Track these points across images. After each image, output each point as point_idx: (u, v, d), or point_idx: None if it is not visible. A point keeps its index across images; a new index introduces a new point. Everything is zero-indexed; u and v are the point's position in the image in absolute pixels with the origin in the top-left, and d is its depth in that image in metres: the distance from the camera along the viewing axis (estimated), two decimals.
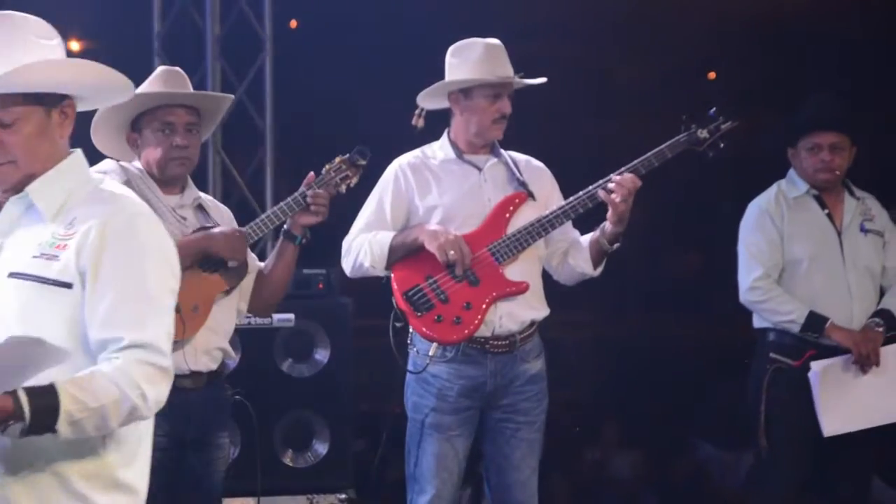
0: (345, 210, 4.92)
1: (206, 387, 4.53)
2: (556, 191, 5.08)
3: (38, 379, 2.91)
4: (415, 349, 4.94)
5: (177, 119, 4.55)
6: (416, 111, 5.08)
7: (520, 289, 4.91)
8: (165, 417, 4.42)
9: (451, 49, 5.04)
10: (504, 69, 4.98)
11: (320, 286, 6.32)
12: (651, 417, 8.76)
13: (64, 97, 3.14)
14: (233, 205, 5.21)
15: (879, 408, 5.60)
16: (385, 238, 4.92)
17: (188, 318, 4.40)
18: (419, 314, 4.87)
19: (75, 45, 8.72)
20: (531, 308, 4.97)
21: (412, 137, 5.08)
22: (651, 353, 9.31)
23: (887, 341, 5.66)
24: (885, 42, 8.58)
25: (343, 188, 4.66)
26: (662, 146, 4.96)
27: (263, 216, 4.62)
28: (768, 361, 5.63)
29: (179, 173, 4.58)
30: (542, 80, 5.02)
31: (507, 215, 4.96)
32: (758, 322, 5.74)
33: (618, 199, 4.83)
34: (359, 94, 8.61)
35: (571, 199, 4.94)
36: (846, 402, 5.55)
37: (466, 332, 4.86)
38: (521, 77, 4.98)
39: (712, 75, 9.79)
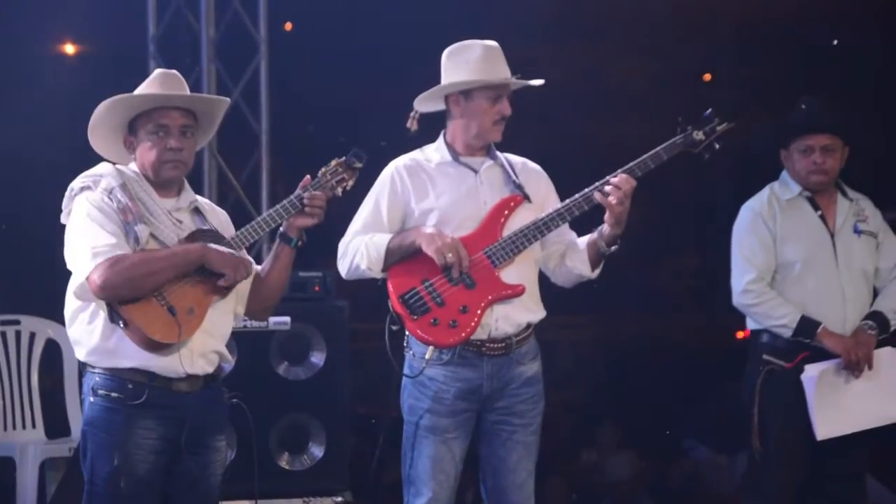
0: (340, 212, 4.92)
1: (202, 390, 4.52)
2: (552, 193, 5.08)
3: None
4: (411, 352, 4.93)
5: (171, 122, 4.54)
6: (411, 114, 5.07)
7: (516, 292, 4.91)
8: (161, 420, 4.45)
9: (447, 51, 5.03)
10: (503, 70, 4.98)
11: (316, 289, 6.34)
12: (647, 420, 8.77)
13: None
14: (228, 207, 5.21)
15: (872, 410, 5.60)
16: (381, 241, 4.91)
17: (184, 320, 4.39)
18: (415, 317, 4.86)
19: (70, 49, 8.72)
20: (527, 311, 4.96)
21: (407, 140, 5.07)
22: (647, 356, 9.32)
23: (881, 343, 5.67)
24: (880, 44, 8.59)
25: (339, 191, 4.65)
26: (658, 148, 4.96)
27: (259, 219, 4.61)
28: (761, 363, 5.64)
29: (173, 176, 4.57)
30: (541, 81, 5.02)
31: (503, 218, 4.96)
32: (751, 324, 5.75)
33: (614, 202, 4.83)
34: (354, 96, 8.61)
35: (567, 201, 4.94)
36: (840, 406, 5.56)
37: (463, 335, 4.85)
38: (519, 78, 4.98)
39: (707, 77, 9.79)
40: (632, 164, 4.91)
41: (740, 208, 5.83)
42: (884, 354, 5.64)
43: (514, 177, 5.01)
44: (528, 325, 4.98)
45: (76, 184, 4.54)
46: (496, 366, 4.92)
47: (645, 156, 4.94)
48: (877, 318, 5.65)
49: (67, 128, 5.46)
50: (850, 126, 5.77)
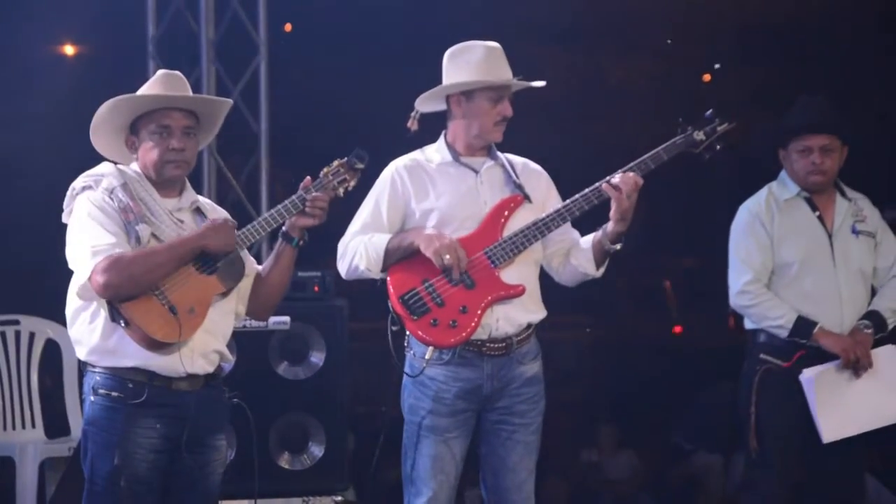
0: (340, 212, 4.92)
1: (202, 389, 4.52)
2: (552, 193, 5.08)
3: None
4: (411, 352, 4.93)
5: (173, 122, 4.55)
6: (412, 114, 5.07)
7: (516, 292, 4.91)
8: (162, 420, 4.46)
9: (448, 52, 5.03)
10: (505, 71, 4.98)
11: (316, 289, 6.34)
12: (648, 419, 8.77)
13: None
14: (228, 208, 5.20)
15: (876, 411, 5.61)
16: (381, 241, 4.91)
17: (185, 320, 4.40)
18: (415, 318, 4.87)
19: (70, 49, 8.72)
20: (528, 311, 4.97)
21: (407, 140, 5.07)
22: (648, 356, 9.32)
23: (879, 343, 5.67)
24: (877, 44, 8.59)
25: (341, 192, 4.65)
26: (659, 148, 4.96)
27: (260, 219, 4.61)
28: (758, 362, 5.65)
29: (175, 176, 4.58)
30: (542, 83, 5.02)
31: (503, 219, 4.96)
32: (748, 323, 5.76)
33: (622, 195, 4.83)
34: (353, 97, 8.62)
35: (568, 201, 4.94)
36: (843, 407, 5.56)
37: (463, 335, 4.85)
38: (521, 79, 4.99)
39: (707, 77, 9.80)
40: (632, 164, 4.92)
41: (738, 208, 5.83)
42: (883, 354, 5.65)
43: (514, 177, 5.02)
44: (529, 326, 4.98)
45: (78, 183, 4.54)
46: (496, 366, 4.93)
47: (645, 156, 4.94)
48: (873, 317, 5.66)
49: (67, 128, 5.47)
50: (849, 126, 5.78)
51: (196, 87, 7.12)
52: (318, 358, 6.29)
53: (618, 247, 4.93)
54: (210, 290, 4.51)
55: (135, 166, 4.59)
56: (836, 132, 5.70)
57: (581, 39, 9.12)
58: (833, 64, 8.58)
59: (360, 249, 4.92)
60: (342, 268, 5.00)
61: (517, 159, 5.10)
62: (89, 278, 4.35)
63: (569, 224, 5.00)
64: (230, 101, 4.76)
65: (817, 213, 5.72)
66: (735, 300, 5.72)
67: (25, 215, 7.30)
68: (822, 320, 5.59)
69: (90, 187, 4.51)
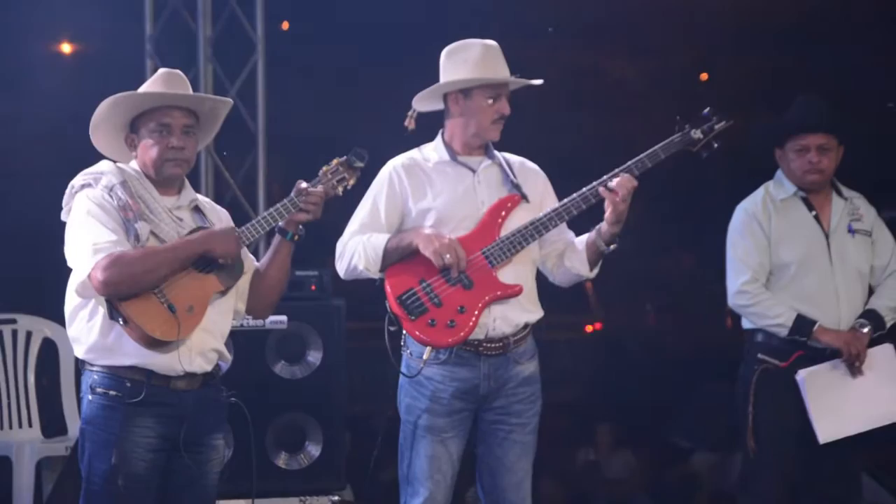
0: (338, 211, 4.91)
1: (200, 388, 4.52)
2: (549, 193, 5.08)
3: None
4: (408, 352, 4.93)
5: (173, 121, 4.55)
6: (409, 113, 5.06)
7: (513, 292, 4.91)
8: (159, 419, 4.45)
9: (446, 50, 5.03)
10: (503, 70, 4.98)
11: (313, 288, 6.34)
12: (645, 419, 8.77)
13: None
14: (225, 207, 5.20)
15: (872, 410, 5.60)
16: (379, 241, 4.91)
17: (183, 318, 4.39)
18: (413, 318, 4.86)
19: (67, 48, 8.72)
20: (525, 310, 4.96)
21: (404, 139, 5.07)
22: (645, 355, 9.32)
23: (875, 342, 5.67)
24: (875, 43, 8.60)
25: (340, 190, 4.64)
26: (656, 147, 4.96)
27: (258, 219, 4.61)
28: (756, 362, 5.65)
29: (175, 174, 4.58)
30: (540, 81, 5.01)
31: (501, 218, 4.95)
32: (746, 323, 5.75)
33: (618, 199, 4.82)
34: (350, 95, 8.61)
35: (565, 201, 4.93)
36: (838, 407, 5.56)
37: (461, 335, 4.85)
38: (519, 77, 4.98)
39: (704, 76, 9.80)
40: (629, 163, 4.91)
41: (735, 208, 5.83)
42: (878, 353, 5.65)
43: (511, 176, 5.01)
44: (526, 325, 4.98)
45: (77, 181, 4.54)
46: (493, 365, 4.92)
47: (643, 155, 4.94)
48: (871, 315, 5.65)
49: (64, 126, 5.47)
50: (846, 126, 5.77)
51: (193, 86, 7.08)
52: (315, 357, 6.29)
53: (612, 248, 4.93)
54: (209, 288, 4.50)
55: (134, 164, 4.59)
56: (833, 131, 5.70)
57: (580, 38, 9.11)
58: (832, 64, 8.59)
59: (358, 249, 4.92)
60: (341, 268, 4.99)
61: (514, 158, 5.10)
62: (89, 275, 4.34)
63: (564, 225, 4.99)
64: (230, 100, 4.76)
65: (814, 213, 5.72)
66: (733, 300, 5.72)
67: (22, 214, 7.30)
68: (820, 320, 5.59)
69: (89, 185, 4.50)
